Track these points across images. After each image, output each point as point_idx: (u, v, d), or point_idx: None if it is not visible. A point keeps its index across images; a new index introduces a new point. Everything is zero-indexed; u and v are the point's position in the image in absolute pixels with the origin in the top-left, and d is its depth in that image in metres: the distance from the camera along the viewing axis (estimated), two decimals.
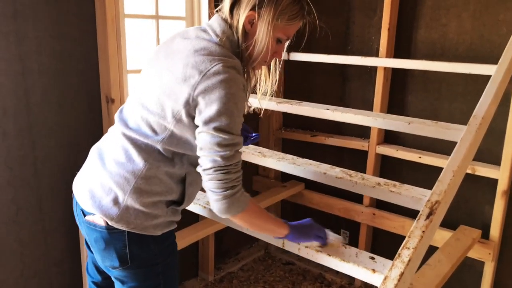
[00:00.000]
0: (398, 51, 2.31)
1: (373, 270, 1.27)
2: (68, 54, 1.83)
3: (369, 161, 2.43)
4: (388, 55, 2.27)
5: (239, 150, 1.19)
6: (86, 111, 1.92)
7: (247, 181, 2.86)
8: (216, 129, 1.13)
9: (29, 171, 1.79)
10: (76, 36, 1.85)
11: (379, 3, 2.29)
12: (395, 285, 1.14)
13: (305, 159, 1.73)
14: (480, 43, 2.08)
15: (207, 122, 1.14)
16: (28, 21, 1.69)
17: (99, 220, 1.22)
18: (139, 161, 1.20)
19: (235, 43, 1.23)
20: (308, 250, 1.37)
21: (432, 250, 1.97)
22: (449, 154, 2.17)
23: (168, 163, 1.23)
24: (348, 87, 2.56)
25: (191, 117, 1.17)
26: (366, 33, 2.42)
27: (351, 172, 1.60)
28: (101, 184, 1.23)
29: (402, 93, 2.35)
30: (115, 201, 1.20)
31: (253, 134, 1.54)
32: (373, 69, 2.36)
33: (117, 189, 1.20)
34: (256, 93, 1.45)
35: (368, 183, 1.51)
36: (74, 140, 1.89)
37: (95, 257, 1.32)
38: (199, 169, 1.20)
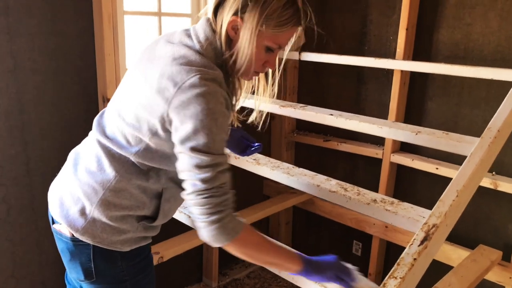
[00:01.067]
0: (417, 53, 2.14)
1: None
2: (63, 52, 1.78)
3: (383, 170, 2.28)
4: (406, 57, 2.10)
5: (223, 171, 1.03)
6: (82, 111, 1.87)
7: (258, 185, 2.77)
8: (193, 149, 1.00)
9: (21, 171, 1.76)
10: (72, 33, 1.80)
11: (398, 1, 2.13)
12: None
13: (300, 169, 1.60)
14: (507, 44, 1.88)
15: (183, 141, 1.01)
16: (21, 17, 1.65)
17: (65, 230, 1.14)
18: (109, 172, 1.11)
19: (219, 51, 1.09)
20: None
21: (447, 268, 1.81)
22: None
23: (141, 177, 1.12)
24: (364, 89, 2.41)
25: (168, 131, 1.05)
26: (384, 32, 2.26)
27: (347, 185, 1.47)
28: (71, 192, 1.15)
29: (421, 98, 2.18)
30: (82, 212, 1.12)
31: (255, 144, 1.44)
32: (391, 72, 2.20)
33: (85, 199, 1.12)
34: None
35: (363, 199, 1.37)
36: (69, 140, 1.84)
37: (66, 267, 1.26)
38: (183, 194, 1.06)
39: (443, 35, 2.06)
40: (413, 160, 2.14)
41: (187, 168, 1.02)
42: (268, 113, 1.40)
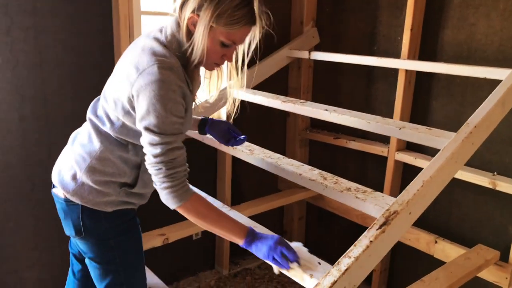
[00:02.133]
0: (423, 53, 2.17)
1: (311, 276, 1.22)
2: (84, 48, 1.98)
3: (388, 168, 2.32)
4: (411, 57, 2.14)
5: (173, 149, 1.21)
6: None
7: (273, 180, 2.87)
8: (145, 128, 1.20)
9: (45, 153, 1.96)
10: (93, 32, 1.99)
11: (406, 2, 2.17)
12: None
13: (289, 160, 1.69)
14: (509, 44, 1.88)
15: (140, 120, 1.21)
16: (46, 16, 1.86)
17: (60, 192, 1.36)
18: (96, 143, 1.32)
19: (182, 43, 1.26)
20: None
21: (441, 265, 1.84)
22: (475, 167, 2.01)
23: (122, 149, 1.32)
24: (374, 89, 2.46)
25: (134, 110, 1.24)
26: (392, 32, 2.30)
27: (328, 175, 1.55)
28: (67, 162, 1.37)
29: (426, 97, 2.20)
30: (73, 177, 1.33)
31: (241, 137, 1.63)
32: (398, 72, 2.24)
33: (76, 166, 1.33)
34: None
35: (338, 188, 1.45)
36: None
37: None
38: (145, 163, 1.26)
39: (447, 35, 2.08)
40: (416, 158, 2.17)
41: (144, 143, 1.23)
42: (239, 104, 1.59)
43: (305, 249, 1.34)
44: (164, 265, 2.48)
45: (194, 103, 1.41)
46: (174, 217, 2.25)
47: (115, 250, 1.38)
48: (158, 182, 1.23)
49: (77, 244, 1.44)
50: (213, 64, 1.32)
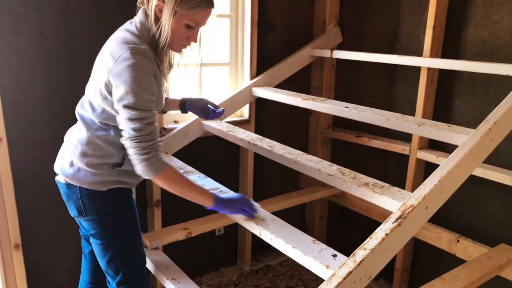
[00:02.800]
0: (446, 51, 2.16)
1: (327, 267, 1.25)
2: None
3: (410, 166, 2.31)
4: (433, 55, 2.13)
5: (150, 123, 1.37)
6: None
7: (295, 178, 2.90)
8: (125, 106, 1.35)
9: None
10: None
11: (428, 0, 2.17)
12: (338, 283, 1.12)
13: (309, 156, 1.72)
14: None
15: (118, 101, 1.36)
16: (77, 18, 1.95)
17: (61, 179, 1.54)
18: (83, 131, 1.49)
19: (151, 30, 1.42)
20: (278, 241, 1.40)
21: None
22: (499, 166, 1.99)
23: (106, 133, 1.47)
24: (396, 87, 2.46)
25: (111, 94, 1.40)
26: (415, 31, 2.30)
27: (346, 170, 1.57)
28: (64, 152, 1.56)
29: (449, 95, 2.19)
30: (71, 164, 1.50)
31: (219, 110, 1.82)
32: (420, 70, 2.24)
33: (71, 154, 1.51)
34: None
35: (356, 183, 1.47)
36: None
37: None
38: (121, 140, 1.41)
39: (471, 33, 2.07)
40: (437, 156, 2.16)
41: (122, 121, 1.37)
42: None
43: (258, 204, 1.62)
44: (188, 259, 2.54)
45: (165, 83, 1.56)
46: (197, 212, 2.32)
47: (112, 225, 1.53)
48: (137, 155, 1.37)
49: (81, 224, 1.60)
50: (180, 45, 1.47)
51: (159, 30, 1.40)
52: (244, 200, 1.59)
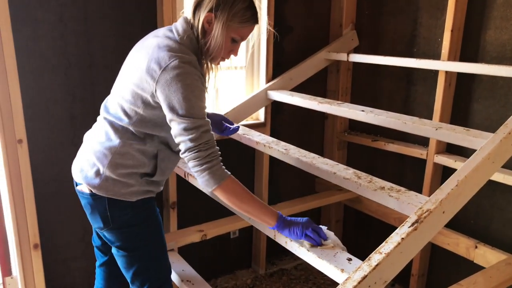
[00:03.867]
0: (464, 54, 2.13)
1: (342, 270, 1.24)
2: (129, 52, 2.08)
3: (427, 171, 2.28)
4: (451, 58, 2.11)
5: (206, 131, 1.34)
6: None
7: (310, 182, 2.89)
8: (179, 116, 1.31)
9: None
10: (137, 36, 2.09)
11: (447, 3, 2.14)
12: (353, 287, 1.11)
13: (324, 159, 1.72)
14: None
15: (171, 111, 1.32)
16: (96, 23, 1.98)
17: (85, 188, 1.46)
18: (115, 139, 1.42)
19: (195, 40, 1.41)
20: (292, 244, 1.39)
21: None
22: None
23: (140, 142, 1.43)
24: (413, 91, 2.43)
25: (157, 103, 1.37)
26: (433, 34, 2.28)
27: (362, 174, 1.56)
28: (87, 160, 1.47)
29: (467, 99, 2.16)
30: (97, 173, 1.43)
31: (234, 126, 1.78)
32: (438, 73, 2.21)
33: (98, 163, 1.43)
34: None
35: (372, 186, 1.46)
36: None
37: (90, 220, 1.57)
38: (181, 155, 1.37)
39: (490, 36, 2.04)
40: (455, 161, 2.13)
41: (178, 132, 1.33)
42: None
43: (331, 232, 1.45)
44: (203, 261, 2.55)
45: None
46: (213, 214, 2.34)
47: (140, 236, 1.49)
48: (198, 166, 1.33)
49: (104, 236, 1.53)
50: (221, 58, 1.46)
51: (209, 42, 1.39)
52: (310, 224, 1.40)
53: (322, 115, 2.84)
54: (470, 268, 2.05)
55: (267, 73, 2.48)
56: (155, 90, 1.33)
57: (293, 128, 2.76)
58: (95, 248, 1.73)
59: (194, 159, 1.32)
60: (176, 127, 1.32)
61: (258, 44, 2.49)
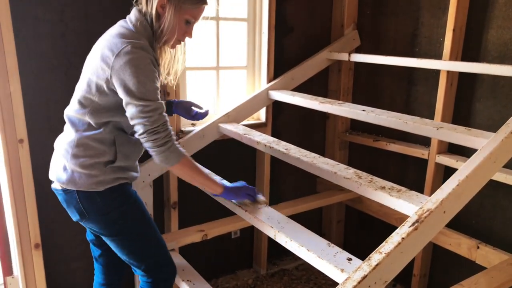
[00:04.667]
0: (466, 54, 2.13)
1: (342, 270, 1.24)
2: None
3: (429, 171, 2.28)
4: (453, 58, 2.10)
5: (161, 113, 1.42)
6: None
7: (312, 182, 2.89)
8: (136, 98, 1.37)
9: None
10: None
11: (448, 3, 2.14)
12: (353, 287, 1.10)
13: (325, 159, 1.71)
14: None
15: (127, 95, 1.38)
16: (97, 22, 1.98)
17: (57, 185, 1.54)
18: (71, 134, 1.49)
19: (148, 26, 1.46)
20: (292, 244, 1.39)
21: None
22: None
23: (95, 131, 1.47)
24: (414, 91, 2.43)
25: (111, 89, 1.42)
26: (435, 34, 2.27)
27: (363, 174, 1.55)
28: (56, 158, 1.56)
29: (469, 99, 2.15)
30: (64, 169, 1.50)
31: (203, 111, 1.87)
32: (440, 73, 2.21)
33: (63, 159, 1.50)
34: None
35: (373, 186, 1.45)
36: None
37: None
38: (136, 135, 1.44)
39: (492, 36, 2.03)
40: (457, 161, 2.12)
41: (135, 115, 1.39)
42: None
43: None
44: (204, 261, 2.55)
45: (160, 80, 1.56)
46: (213, 214, 2.33)
47: (119, 221, 1.53)
48: (157, 146, 1.41)
49: (89, 228, 1.60)
50: (177, 41, 1.52)
51: (163, 25, 1.45)
52: (248, 188, 1.72)
53: (324, 115, 2.84)
54: (472, 268, 2.04)
55: (268, 73, 2.47)
56: (110, 76, 1.38)
57: (294, 128, 2.75)
58: (90, 244, 1.76)
59: (153, 140, 1.40)
60: (133, 109, 1.38)
61: (259, 43, 2.48)
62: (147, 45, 1.43)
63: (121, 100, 1.42)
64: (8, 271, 2.07)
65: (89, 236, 1.74)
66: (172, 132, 1.46)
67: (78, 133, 1.48)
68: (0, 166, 1.92)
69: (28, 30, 1.84)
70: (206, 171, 1.68)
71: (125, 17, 2.01)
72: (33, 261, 1.98)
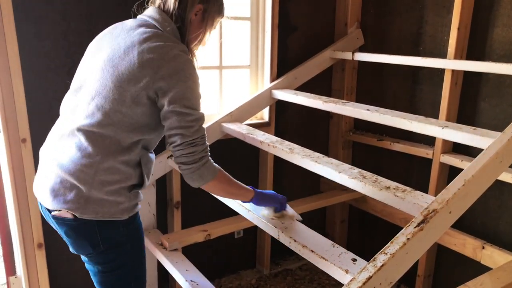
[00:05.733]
0: (471, 52, 2.11)
1: (346, 271, 1.23)
2: None
3: (433, 170, 2.26)
4: (458, 57, 2.09)
5: (202, 124, 1.31)
6: None
7: (315, 182, 2.88)
8: (182, 106, 1.25)
9: None
10: None
11: (453, 1, 2.12)
12: None
13: (329, 158, 1.70)
14: None
15: (173, 102, 1.24)
16: (99, 22, 1.97)
17: (66, 214, 1.27)
18: (95, 155, 1.25)
19: (177, 30, 1.36)
20: (296, 245, 1.38)
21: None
22: None
23: (122, 152, 1.28)
24: (418, 90, 2.41)
25: (151, 98, 1.26)
26: (439, 33, 2.25)
27: (367, 174, 1.54)
28: (61, 182, 1.27)
29: (474, 98, 2.14)
30: (79, 194, 1.25)
31: None
32: (444, 72, 2.19)
33: (79, 184, 1.25)
34: None
35: (377, 186, 1.44)
36: None
37: (70, 247, 1.40)
38: (168, 146, 1.31)
39: (497, 34, 2.01)
40: (462, 161, 2.11)
41: (176, 124, 1.26)
42: None
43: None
44: (207, 262, 2.54)
45: None
46: (217, 214, 2.33)
47: (130, 252, 1.39)
48: (195, 161, 1.28)
49: (89, 259, 1.39)
50: (198, 49, 1.47)
51: (197, 32, 1.39)
52: (278, 197, 1.60)
53: (327, 115, 2.82)
54: (477, 269, 2.03)
55: (272, 72, 2.47)
56: (153, 82, 1.23)
57: (298, 128, 2.74)
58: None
59: (190, 153, 1.27)
60: (175, 118, 1.25)
61: (262, 42, 2.47)
62: (187, 49, 1.34)
63: (158, 112, 1.28)
64: (11, 271, 2.07)
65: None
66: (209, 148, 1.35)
67: (103, 154, 1.25)
68: (3, 166, 1.92)
69: (30, 29, 1.84)
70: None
71: (129, 17, 1.98)
72: (36, 261, 1.98)
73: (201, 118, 1.30)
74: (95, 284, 1.47)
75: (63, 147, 1.30)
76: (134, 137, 1.29)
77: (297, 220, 1.60)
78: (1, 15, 1.72)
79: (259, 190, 1.56)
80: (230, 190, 1.46)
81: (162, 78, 1.23)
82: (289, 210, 1.63)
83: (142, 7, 1.48)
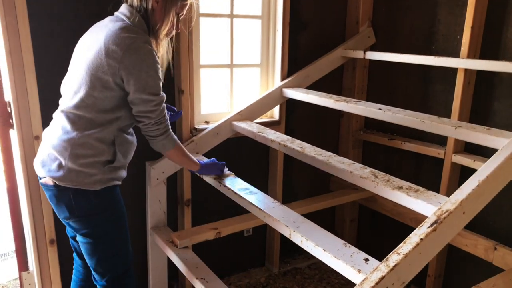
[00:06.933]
0: (484, 51, 2.09)
1: (359, 271, 1.22)
2: None
3: (445, 170, 2.24)
4: (471, 56, 2.07)
5: (164, 105, 1.53)
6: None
7: (325, 181, 2.87)
8: (146, 93, 1.45)
9: None
10: None
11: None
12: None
13: (341, 158, 1.69)
14: None
15: (137, 89, 1.44)
16: None
17: (49, 181, 1.52)
18: (72, 132, 1.48)
19: (143, 20, 1.51)
20: (308, 244, 1.38)
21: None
22: None
23: (97, 130, 1.49)
24: (430, 89, 2.39)
25: (118, 84, 1.45)
26: (452, 31, 2.23)
27: (379, 173, 1.53)
28: (48, 154, 1.53)
29: (487, 98, 2.12)
30: (60, 166, 1.49)
31: (179, 112, 1.93)
32: (457, 71, 2.17)
33: (59, 156, 1.49)
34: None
35: (390, 186, 1.43)
36: None
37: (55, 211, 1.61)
38: (139, 125, 1.53)
39: (511, 33, 1.99)
40: (474, 161, 2.09)
41: (145, 109, 1.47)
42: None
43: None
44: (217, 259, 2.55)
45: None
46: (227, 212, 2.33)
47: (104, 224, 1.56)
48: (159, 134, 1.54)
49: (69, 225, 1.59)
50: (167, 35, 1.59)
51: (159, 19, 1.51)
52: (218, 164, 1.92)
53: (338, 113, 2.81)
54: (488, 270, 2.01)
55: (282, 70, 2.46)
56: (118, 70, 1.41)
57: (308, 126, 2.74)
58: (71, 239, 1.76)
59: (156, 129, 1.53)
60: (142, 103, 1.46)
61: (273, 41, 2.47)
62: (150, 40, 1.49)
63: (126, 94, 1.47)
64: (23, 267, 2.09)
65: (70, 233, 1.75)
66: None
67: (79, 131, 1.47)
68: (16, 162, 1.94)
69: (43, 27, 1.85)
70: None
71: None
72: (48, 257, 1.99)
73: (162, 101, 1.51)
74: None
75: (53, 127, 1.56)
76: (106, 116, 1.49)
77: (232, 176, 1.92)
78: (16, 12, 1.73)
79: (203, 162, 1.87)
80: (183, 160, 1.72)
81: (126, 68, 1.41)
82: (226, 171, 1.96)
83: (117, 6, 1.60)
